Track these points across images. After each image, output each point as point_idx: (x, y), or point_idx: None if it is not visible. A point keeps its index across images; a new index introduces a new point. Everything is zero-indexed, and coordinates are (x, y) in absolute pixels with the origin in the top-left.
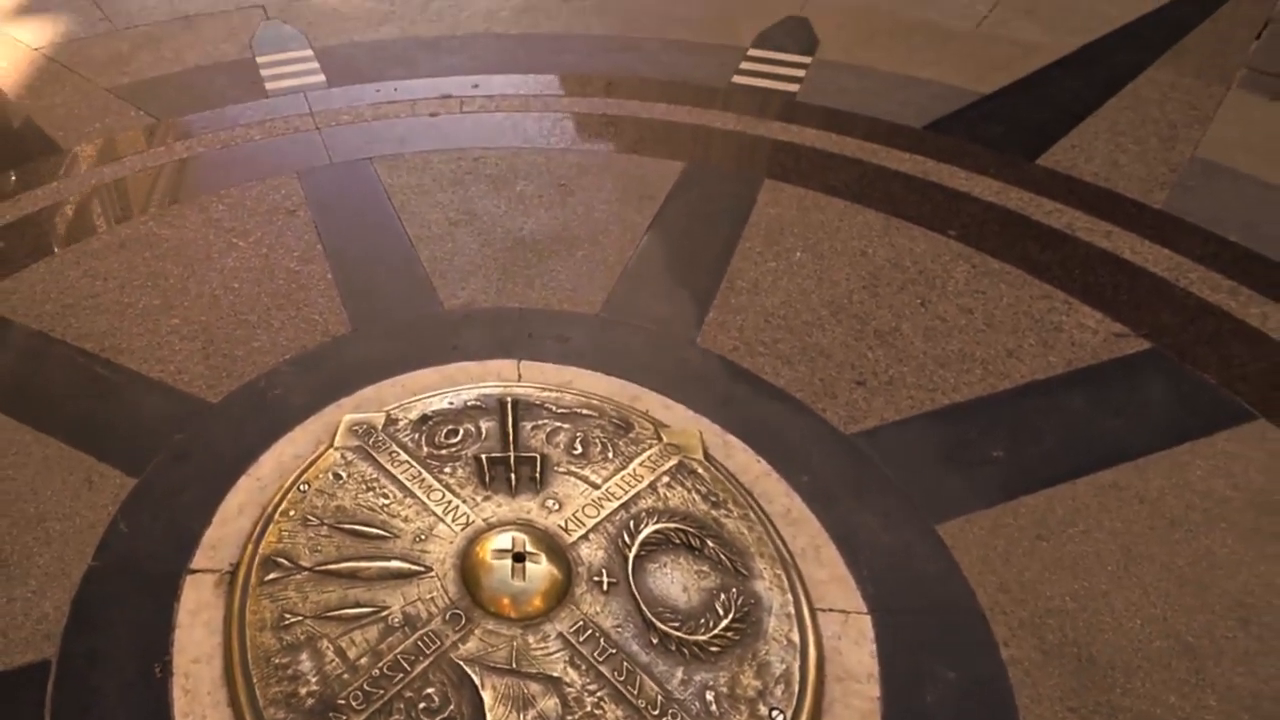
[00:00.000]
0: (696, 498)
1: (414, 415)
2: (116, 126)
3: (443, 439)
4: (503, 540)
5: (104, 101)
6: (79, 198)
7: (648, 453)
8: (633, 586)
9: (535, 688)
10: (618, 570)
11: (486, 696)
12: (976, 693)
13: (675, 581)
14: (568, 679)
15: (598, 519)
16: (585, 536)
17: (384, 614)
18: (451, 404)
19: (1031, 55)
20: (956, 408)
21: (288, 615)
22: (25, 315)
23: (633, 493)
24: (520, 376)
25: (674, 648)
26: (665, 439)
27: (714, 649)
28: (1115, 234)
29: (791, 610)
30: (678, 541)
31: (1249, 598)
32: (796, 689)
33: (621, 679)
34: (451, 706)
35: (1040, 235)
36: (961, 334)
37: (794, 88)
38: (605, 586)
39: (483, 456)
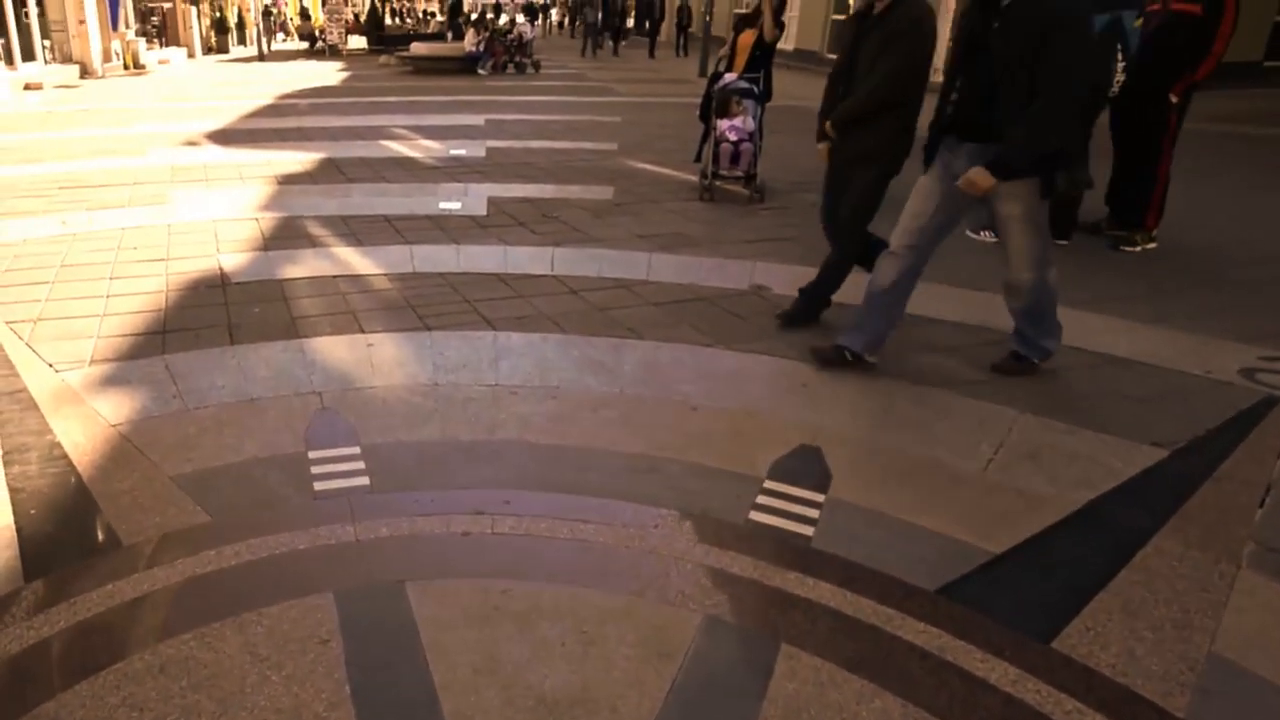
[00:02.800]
0: None
1: None
2: (176, 523)
3: None
4: None
5: (167, 492)
6: (131, 605)
7: None
8: None
9: None
10: None
11: None
12: None
13: None
14: None
15: None
16: None
17: None
18: None
19: (1036, 510)
20: None
21: None
22: None
23: None
24: None
25: None
26: None
27: None
28: None
29: None
30: None
31: None
32: None
33: None
34: None
35: None
36: None
37: (809, 530)
38: None
39: None
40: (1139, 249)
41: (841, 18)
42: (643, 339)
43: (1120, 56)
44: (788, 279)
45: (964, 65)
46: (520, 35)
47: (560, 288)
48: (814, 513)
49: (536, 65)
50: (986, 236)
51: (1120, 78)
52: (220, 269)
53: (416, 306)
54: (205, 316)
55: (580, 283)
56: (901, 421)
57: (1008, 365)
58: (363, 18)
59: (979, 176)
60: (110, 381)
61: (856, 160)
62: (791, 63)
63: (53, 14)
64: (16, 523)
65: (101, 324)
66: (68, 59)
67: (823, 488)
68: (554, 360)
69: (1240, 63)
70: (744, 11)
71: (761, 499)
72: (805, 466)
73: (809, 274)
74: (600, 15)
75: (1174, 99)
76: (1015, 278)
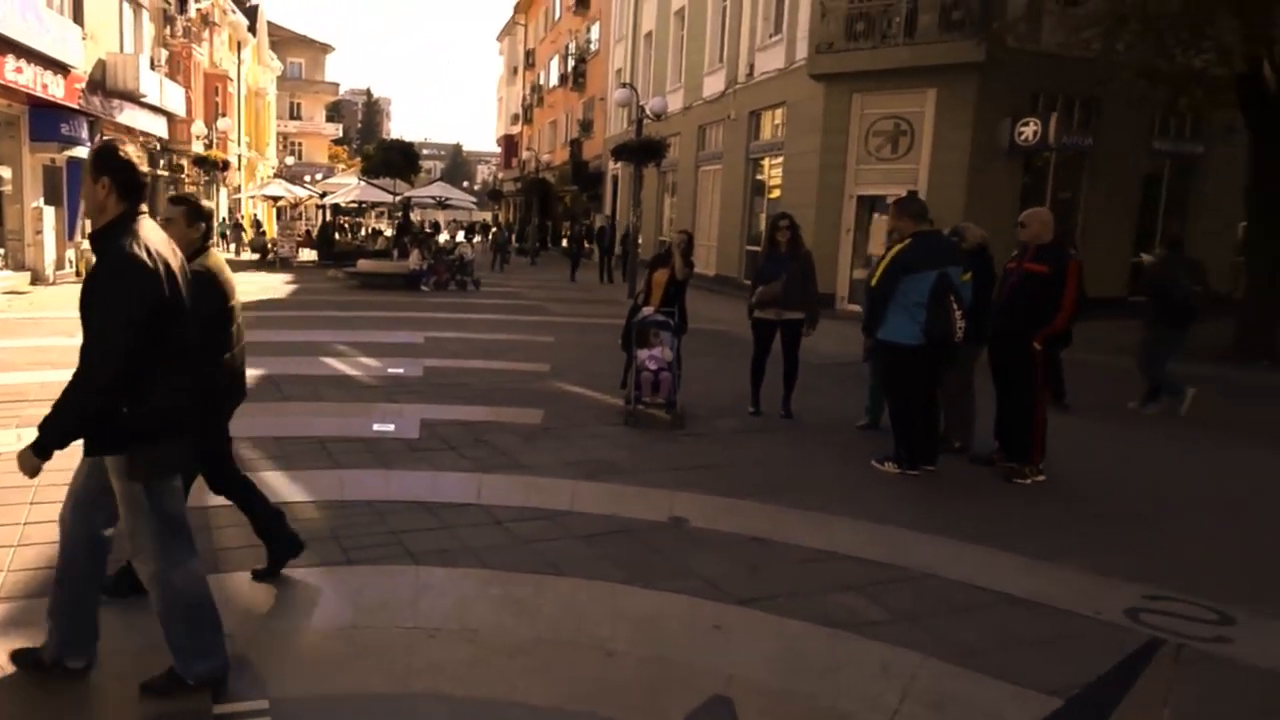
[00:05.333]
0: None
1: None
2: None
3: None
4: None
5: None
6: None
7: None
8: None
9: None
10: None
11: None
12: None
13: None
14: None
15: None
16: None
17: None
18: None
19: None
20: None
21: None
22: None
23: None
24: None
25: None
26: None
27: None
28: None
29: None
30: None
31: None
32: None
33: None
34: None
35: None
36: None
37: None
38: None
39: None
40: (1029, 481)
41: (755, 249)
42: (563, 575)
43: (956, 307)
44: (705, 510)
45: None
46: (462, 255)
47: (486, 518)
48: None
49: (477, 283)
50: (890, 468)
51: (961, 324)
52: None
53: (341, 538)
54: (124, 550)
55: (506, 513)
56: (811, 668)
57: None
58: (314, 233)
59: (21, 459)
60: (17, 622)
61: None
62: (712, 287)
63: (10, 224)
64: None
65: (13, 555)
66: (20, 266)
67: None
68: (474, 599)
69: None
70: (658, 253)
71: None
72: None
73: (725, 504)
74: (511, 235)
75: (1037, 346)
76: (137, 567)
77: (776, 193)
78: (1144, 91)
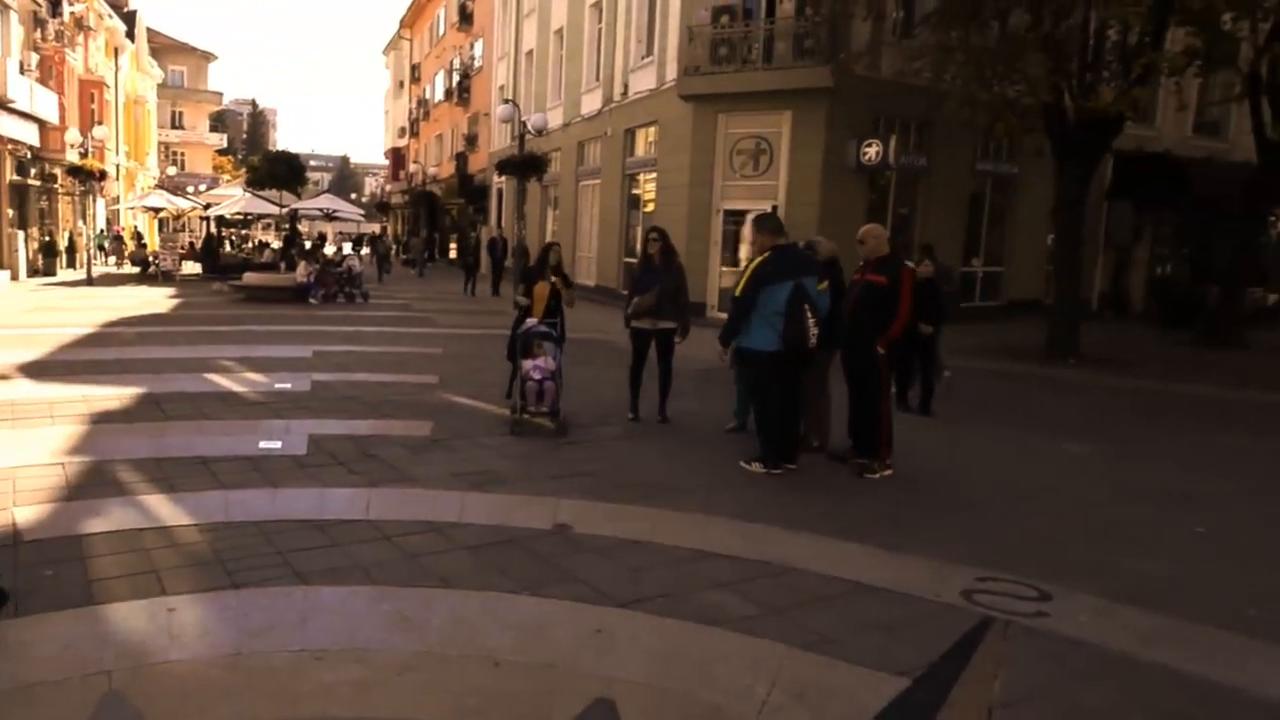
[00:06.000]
0: None
1: None
2: None
3: None
4: None
5: None
6: None
7: None
8: None
9: None
10: None
11: None
12: None
13: None
14: None
15: None
16: None
17: None
18: None
19: None
20: None
21: None
22: None
23: None
24: None
25: None
26: None
27: None
28: None
29: None
30: None
31: None
32: None
33: None
34: None
35: None
36: None
37: None
38: None
39: None
40: (878, 475)
41: (632, 260)
42: (452, 588)
43: (811, 315)
44: (588, 516)
45: None
46: (350, 268)
47: (375, 534)
48: None
49: (366, 296)
50: (756, 467)
51: (815, 331)
52: (14, 525)
53: (226, 561)
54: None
55: (394, 527)
56: (688, 665)
57: None
58: (198, 245)
59: None
60: None
61: None
62: (593, 297)
63: None
64: None
65: None
66: None
67: None
68: (363, 617)
69: (1028, 300)
70: (528, 265)
71: None
72: None
73: (607, 509)
74: (394, 248)
75: (881, 350)
76: None
77: (651, 207)
78: (967, 117)
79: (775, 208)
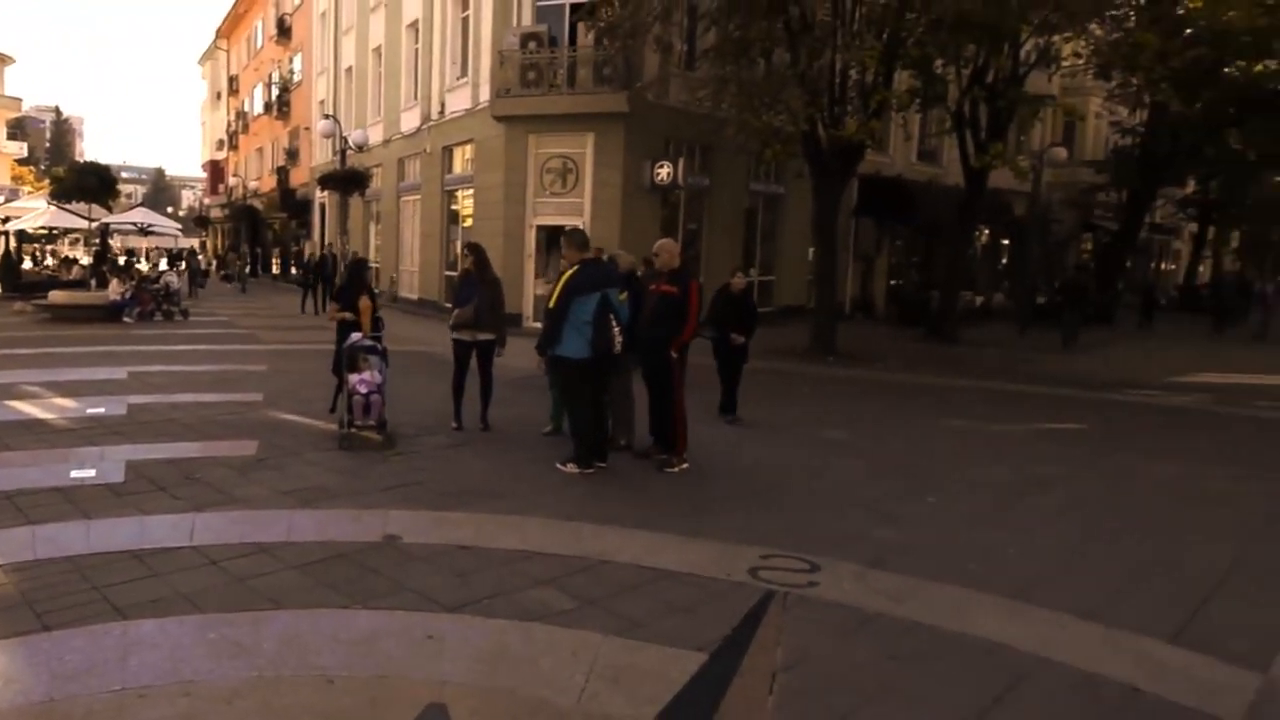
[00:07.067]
0: None
1: None
2: None
3: None
4: None
5: None
6: None
7: None
8: None
9: None
10: None
11: None
12: None
13: None
14: None
15: None
16: None
17: None
18: None
19: None
20: None
21: None
22: None
23: None
24: None
25: None
26: None
27: None
28: None
29: None
30: None
31: None
32: None
33: None
34: None
35: None
36: None
37: None
38: None
39: None
40: (677, 470)
41: (454, 274)
42: (282, 608)
43: (615, 323)
44: (416, 525)
45: None
46: (168, 284)
47: (200, 560)
48: None
49: (185, 313)
50: (571, 468)
51: (619, 339)
52: None
53: (35, 602)
54: None
55: (221, 552)
56: (514, 662)
57: None
58: None
59: None
60: None
61: None
62: (415, 310)
63: None
64: None
65: None
66: None
67: None
68: (189, 648)
69: (795, 306)
70: (343, 284)
71: None
72: None
73: (435, 517)
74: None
75: (674, 354)
76: None
77: (469, 222)
78: (742, 142)
79: (582, 225)
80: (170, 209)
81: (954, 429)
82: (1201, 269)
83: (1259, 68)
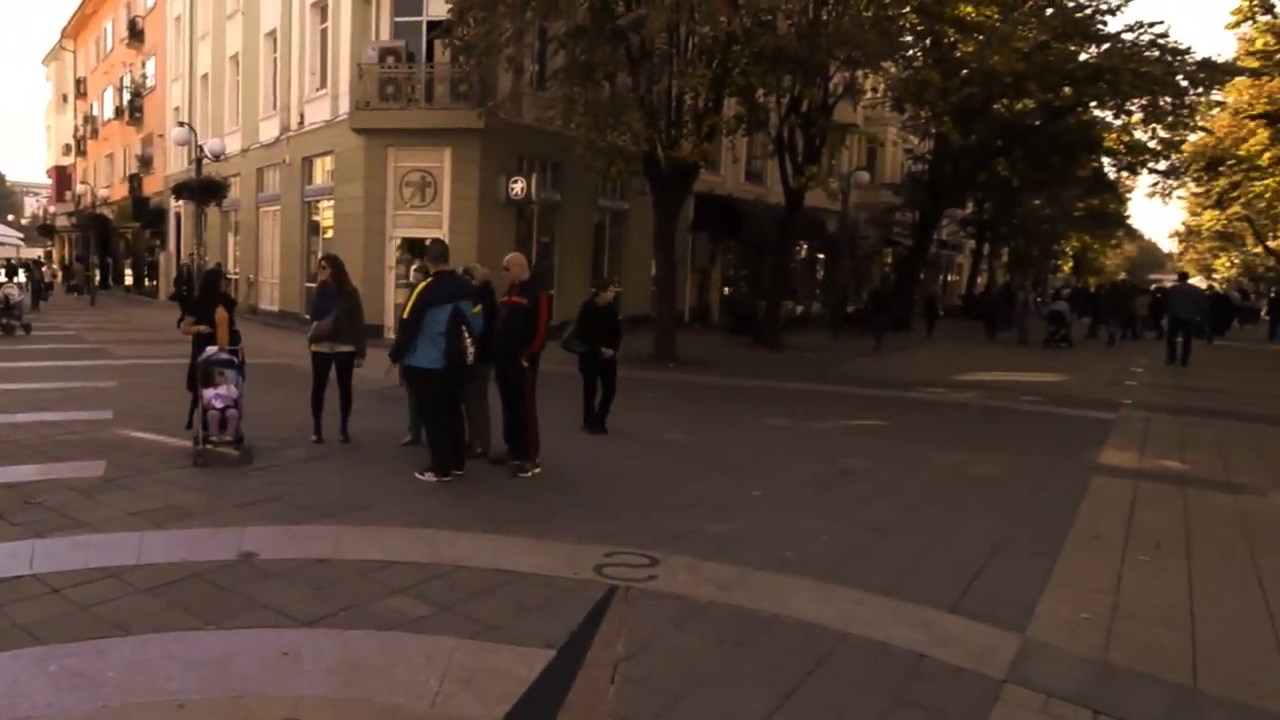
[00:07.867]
0: None
1: None
2: None
3: None
4: None
5: None
6: None
7: None
8: None
9: None
10: None
11: None
12: None
13: None
14: None
15: None
16: None
17: None
18: None
19: None
20: None
21: None
22: None
23: None
24: None
25: None
26: None
27: None
28: None
29: None
30: None
31: None
32: None
33: None
34: None
35: None
36: None
37: None
38: None
39: None
40: (530, 475)
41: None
42: (131, 634)
43: (468, 334)
44: (273, 540)
45: None
46: (8, 296)
47: (41, 589)
48: None
49: (27, 328)
50: (429, 477)
51: (471, 349)
52: None
53: None
54: None
55: (64, 579)
56: (369, 672)
57: None
58: None
59: None
60: None
61: None
62: (276, 322)
63: None
64: None
65: None
66: None
67: None
68: (26, 683)
69: (640, 315)
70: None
71: None
72: None
73: (292, 531)
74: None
75: (525, 363)
76: None
77: (330, 233)
78: (589, 160)
79: (441, 237)
80: (11, 217)
81: (779, 428)
82: (980, 280)
83: (1020, 106)
